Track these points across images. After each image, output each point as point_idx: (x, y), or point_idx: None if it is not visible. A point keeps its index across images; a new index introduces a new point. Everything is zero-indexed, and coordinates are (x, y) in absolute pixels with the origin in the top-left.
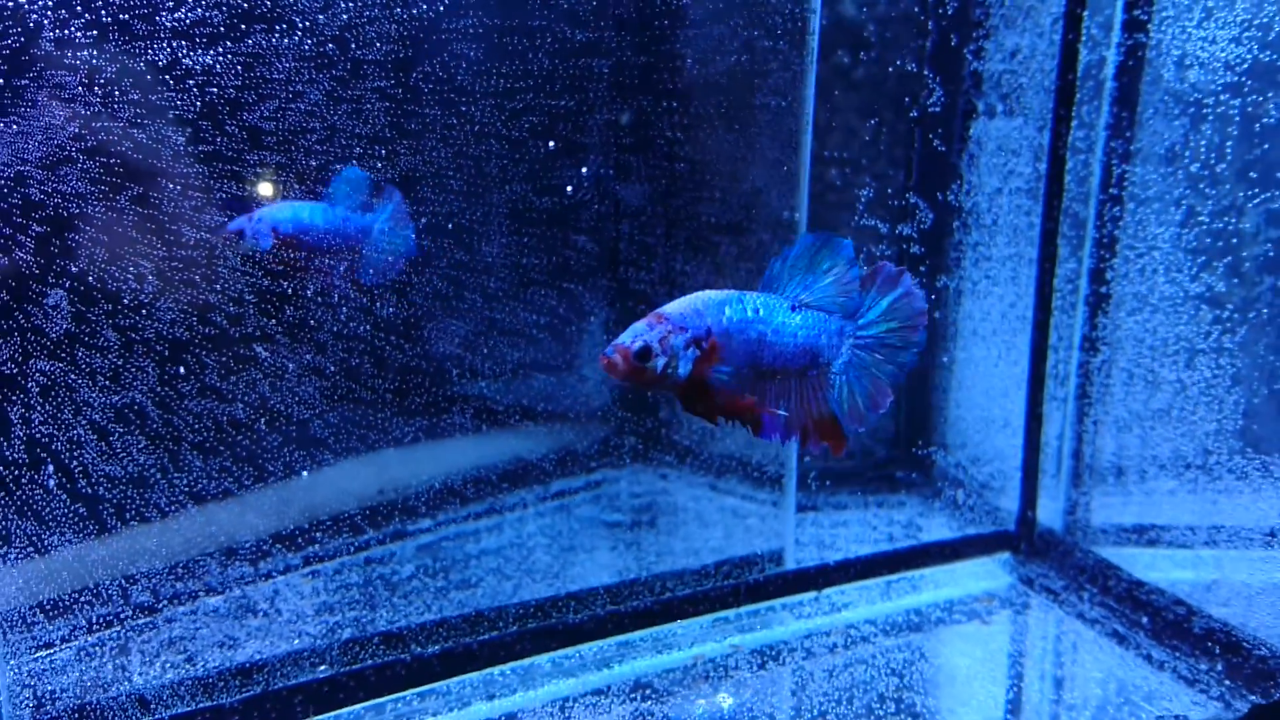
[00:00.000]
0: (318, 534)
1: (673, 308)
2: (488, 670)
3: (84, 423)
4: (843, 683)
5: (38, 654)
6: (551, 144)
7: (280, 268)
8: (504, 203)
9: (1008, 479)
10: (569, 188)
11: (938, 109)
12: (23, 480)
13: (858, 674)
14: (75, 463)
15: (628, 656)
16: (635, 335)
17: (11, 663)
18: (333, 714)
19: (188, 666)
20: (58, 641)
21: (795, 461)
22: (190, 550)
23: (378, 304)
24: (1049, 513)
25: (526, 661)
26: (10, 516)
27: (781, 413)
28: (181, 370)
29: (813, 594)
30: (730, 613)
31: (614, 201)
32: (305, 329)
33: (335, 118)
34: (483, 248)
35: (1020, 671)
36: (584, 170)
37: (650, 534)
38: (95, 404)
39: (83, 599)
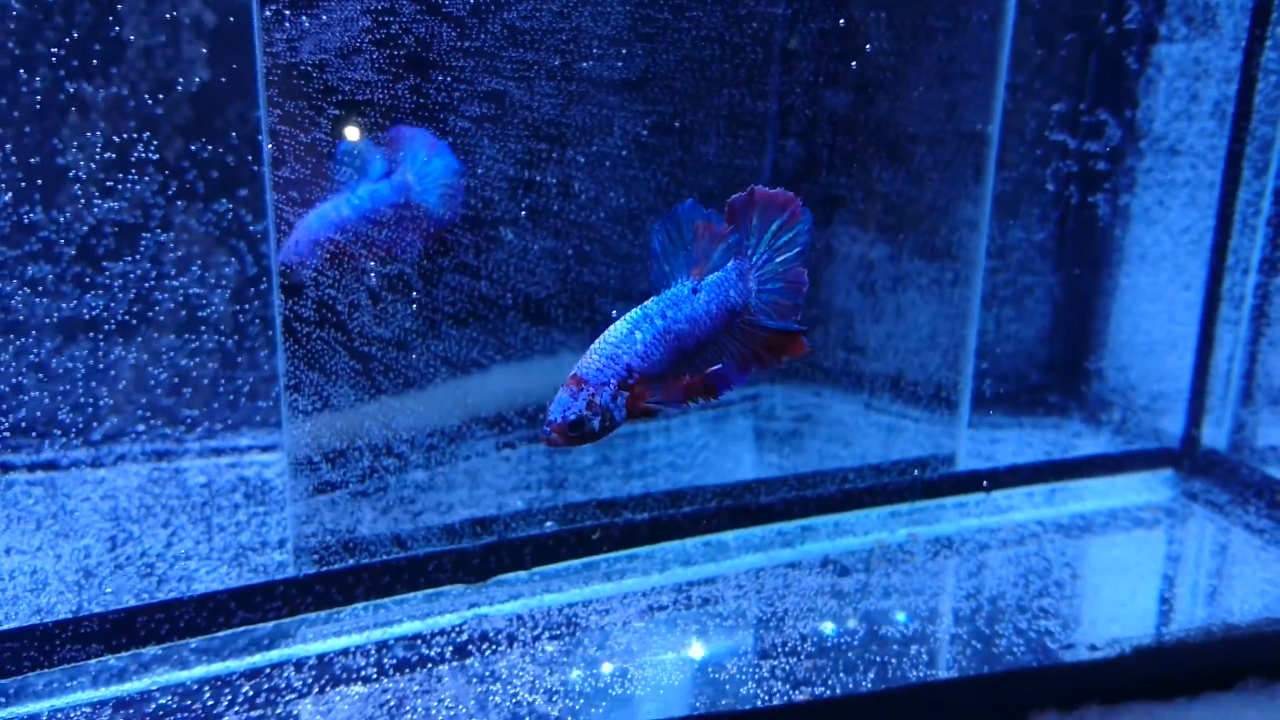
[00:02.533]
0: (507, 425)
1: (588, 365)
2: (685, 540)
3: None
4: (1018, 570)
5: (318, 495)
6: (767, 50)
7: (362, 258)
8: (722, 105)
9: (1171, 401)
10: (782, 92)
11: (1119, 30)
12: (314, 336)
13: (1033, 563)
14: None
15: (810, 539)
16: (563, 409)
17: (299, 502)
18: (555, 565)
19: (436, 515)
20: (333, 485)
21: (971, 365)
22: (432, 419)
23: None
24: (1214, 433)
25: (718, 536)
26: (302, 369)
27: (718, 366)
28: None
29: (981, 495)
30: (904, 506)
31: (822, 108)
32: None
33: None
34: (700, 148)
35: (1190, 569)
36: (795, 76)
37: (813, 440)
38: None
39: (351, 450)
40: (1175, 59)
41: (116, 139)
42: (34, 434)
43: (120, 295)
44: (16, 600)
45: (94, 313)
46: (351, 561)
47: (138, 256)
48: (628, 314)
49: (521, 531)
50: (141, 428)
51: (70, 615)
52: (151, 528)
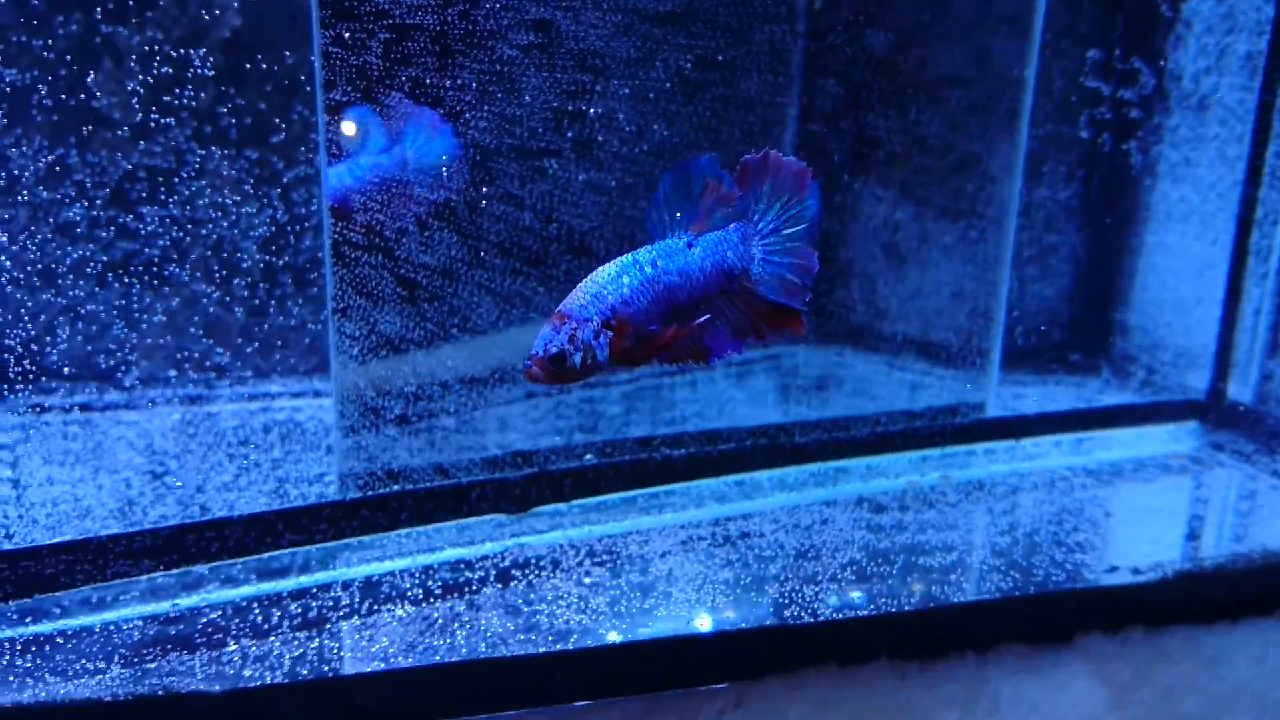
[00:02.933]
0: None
1: (573, 301)
2: (720, 479)
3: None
4: (1051, 509)
5: (363, 423)
6: None
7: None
8: (763, 42)
9: (1196, 356)
10: (822, 31)
11: None
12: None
13: (1065, 504)
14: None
15: (843, 480)
16: (545, 342)
17: (345, 429)
18: (594, 499)
19: (477, 449)
20: (378, 415)
21: (1003, 312)
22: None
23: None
24: (1239, 387)
25: (751, 476)
26: (350, 295)
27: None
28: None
29: (1010, 442)
30: (935, 452)
31: (862, 47)
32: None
33: None
34: (742, 84)
35: (1221, 509)
36: (836, 15)
37: (838, 394)
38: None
39: (394, 382)
40: (1204, 13)
41: (143, 84)
42: (121, 375)
43: (164, 240)
44: (61, 525)
45: (130, 256)
46: (395, 488)
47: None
48: (619, 258)
49: (561, 464)
50: (174, 372)
51: (122, 530)
52: (194, 463)
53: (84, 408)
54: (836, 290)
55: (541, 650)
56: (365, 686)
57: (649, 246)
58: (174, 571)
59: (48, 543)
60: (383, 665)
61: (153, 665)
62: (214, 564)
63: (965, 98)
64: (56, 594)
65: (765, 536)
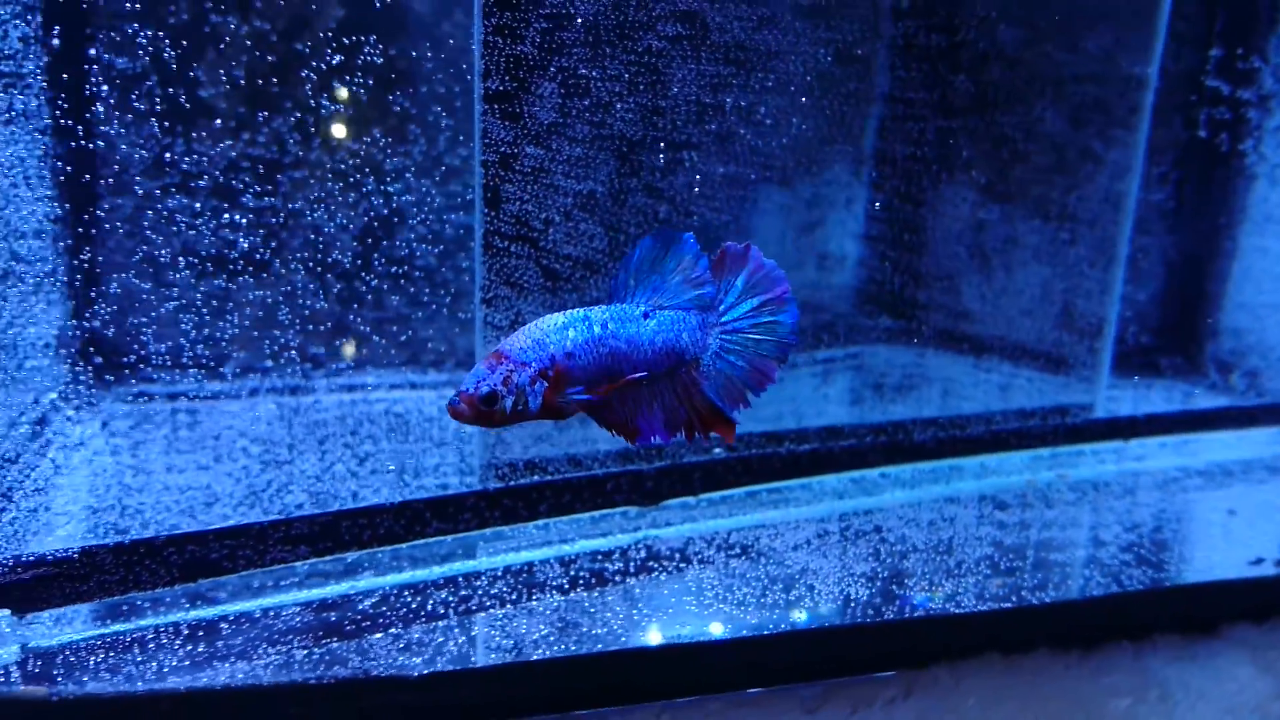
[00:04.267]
0: None
1: (513, 343)
2: (839, 475)
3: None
4: (1171, 507)
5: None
6: None
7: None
8: (894, 38)
9: None
10: (956, 25)
11: None
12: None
13: (1183, 502)
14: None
15: (958, 478)
16: (478, 379)
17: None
18: (720, 492)
19: (608, 441)
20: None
21: (1116, 314)
22: None
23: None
24: None
25: (866, 473)
26: (496, 281)
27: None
28: None
29: (1118, 443)
30: (1045, 452)
31: (991, 43)
32: None
33: None
34: (876, 79)
35: None
36: (969, 9)
37: (929, 392)
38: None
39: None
40: None
41: (243, 75)
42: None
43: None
44: (195, 512)
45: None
46: (536, 478)
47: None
48: (570, 310)
49: (691, 458)
50: (271, 364)
51: (281, 517)
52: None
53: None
54: (921, 290)
55: (712, 638)
56: (536, 672)
57: (603, 307)
58: (328, 558)
59: (212, 528)
60: (546, 653)
61: (315, 650)
62: (367, 550)
63: (1086, 95)
64: (219, 579)
65: (893, 531)
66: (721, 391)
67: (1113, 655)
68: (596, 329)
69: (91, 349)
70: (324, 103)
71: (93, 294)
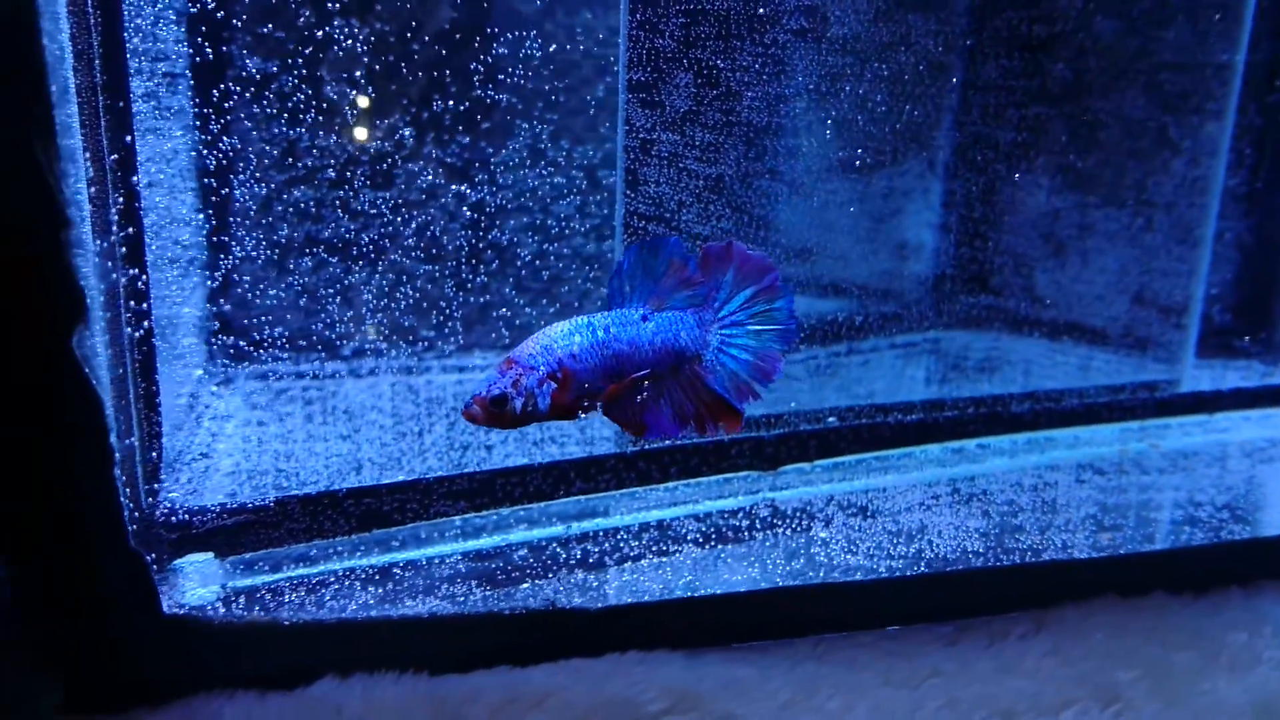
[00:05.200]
0: None
1: (522, 350)
2: (945, 444)
3: None
4: (1263, 473)
5: None
6: None
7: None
8: (1001, 29)
9: None
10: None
11: None
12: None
13: (1275, 468)
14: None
15: (1052, 448)
16: (489, 384)
17: None
18: (832, 459)
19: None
20: None
21: (1202, 293)
22: None
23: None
24: None
25: (963, 442)
26: None
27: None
28: None
29: (1202, 417)
30: (1134, 424)
31: (1073, 30)
32: None
33: None
34: (981, 69)
35: None
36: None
37: (1012, 372)
38: None
39: None
40: None
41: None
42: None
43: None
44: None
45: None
46: (668, 442)
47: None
48: (574, 318)
49: (807, 426)
50: (385, 346)
51: (445, 473)
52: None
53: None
54: (997, 276)
55: (857, 579)
56: (699, 608)
57: (604, 313)
58: (485, 513)
59: (385, 482)
60: (702, 591)
61: (477, 594)
62: (518, 507)
63: (1170, 83)
64: (390, 529)
65: (1000, 495)
66: (729, 385)
67: (1225, 597)
68: (599, 333)
69: (226, 330)
70: (477, 92)
71: (228, 278)
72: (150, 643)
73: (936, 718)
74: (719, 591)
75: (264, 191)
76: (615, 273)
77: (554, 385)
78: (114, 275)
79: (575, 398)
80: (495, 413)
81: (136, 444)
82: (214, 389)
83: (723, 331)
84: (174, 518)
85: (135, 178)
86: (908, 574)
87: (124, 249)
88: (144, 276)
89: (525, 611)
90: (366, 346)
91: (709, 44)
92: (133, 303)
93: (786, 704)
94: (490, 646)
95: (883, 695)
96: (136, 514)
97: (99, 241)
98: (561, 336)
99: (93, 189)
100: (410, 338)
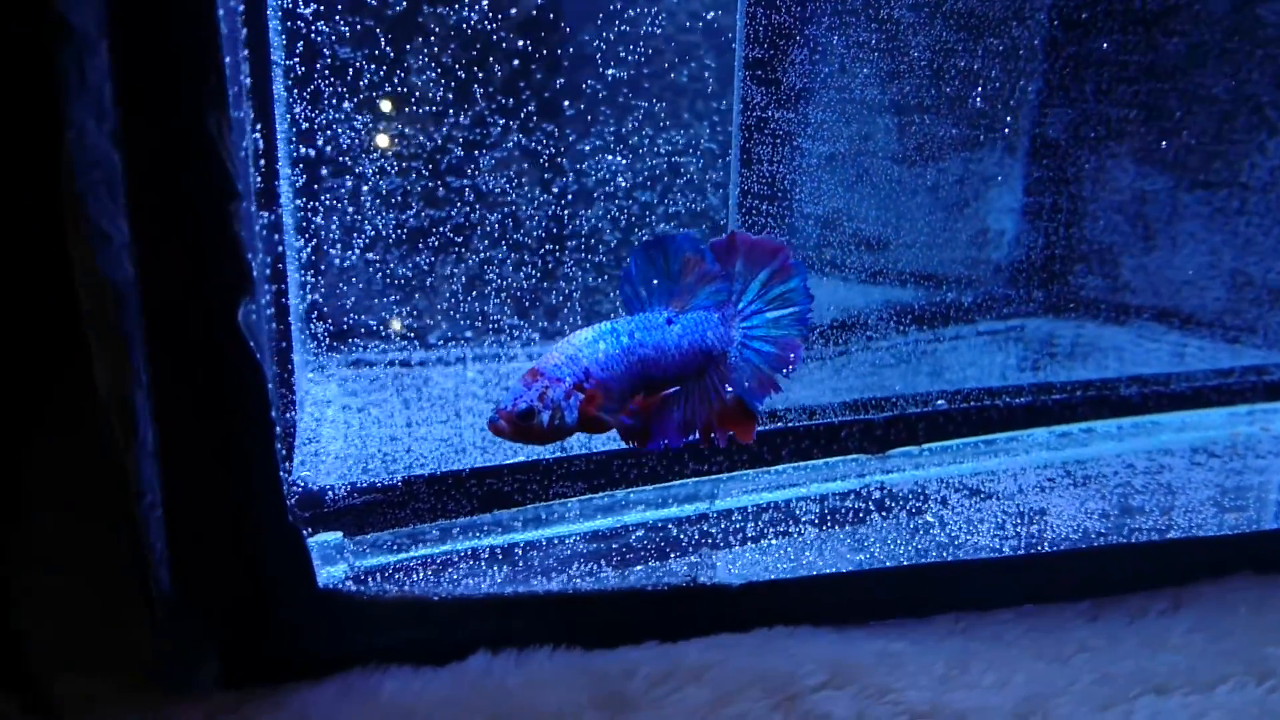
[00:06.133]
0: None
1: (547, 360)
2: (1051, 429)
3: None
4: None
5: None
6: None
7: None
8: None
9: None
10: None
11: None
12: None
13: None
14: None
15: (1159, 432)
16: (515, 397)
17: None
18: (940, 443)
19: (843, 392)
20: None
21: None
22: None
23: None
24: None
25: (1067, 427)
26: None
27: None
28: None
29: None
30: (1243, 407)
31: (1181, 9)
32: None
33: None
34: (1094, 42)
35: None
36: None
37: (1104, 359)
38: None
39: None
40: None
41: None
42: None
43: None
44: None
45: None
46: (779, 425)
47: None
48: (597, 324)
49: (915, 409)
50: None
51: (563, 454)
52: None
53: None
54: (1081, 263)
55: (994, 557)
56: (839, 584)
57: (627, 318)
58: (601, 495)
59: (506, 462)
60: (833, 568)
61: (608, 573)
62: (631, 489)
63: (1266, 61)
64: (510, 510)
65: (1110, 479)
66: (752, 380)
67: None
68: (624, 340)
69: (317, 318)
70: (607, 72)
71: (319, 267)
72: (306, 617)
73: (1093, 692)
74: (860, 568)
75: (357, 179)
76: (625, 278)
77: (581, 396)
78: (280, 249)
79: (602, 409)
80: (522, 426)
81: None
82: (310, 375)
83: (743, 325)
84: (306, 497)
85: (276, 158)
86: (1044, 551)
87: (270, 227)
88: (283, 254)
89: (668, 587)
90: (457, 335)
91: (823, 20)
92: (268, 283)
93: (942, 678)
94: (635, 622)
95: (1036, 669)
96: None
97: (264, 215)
98: (586, 345)
99: (262, 163)
100: (507, 324)
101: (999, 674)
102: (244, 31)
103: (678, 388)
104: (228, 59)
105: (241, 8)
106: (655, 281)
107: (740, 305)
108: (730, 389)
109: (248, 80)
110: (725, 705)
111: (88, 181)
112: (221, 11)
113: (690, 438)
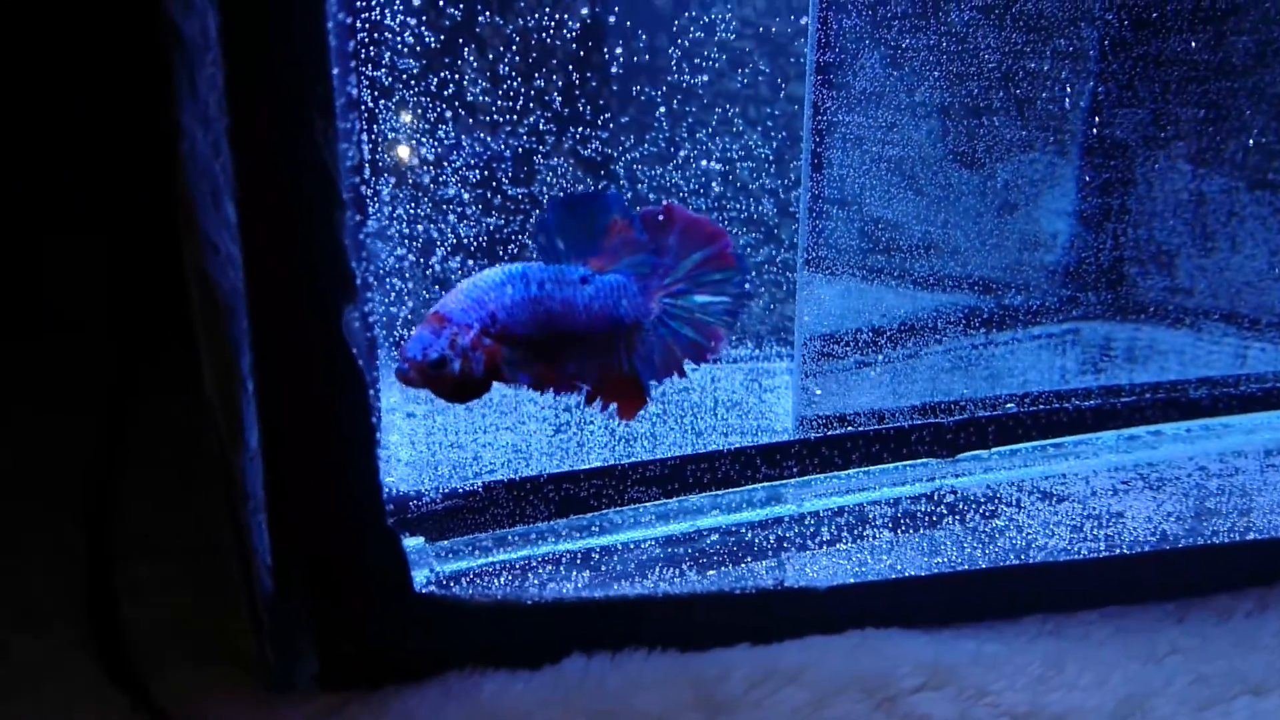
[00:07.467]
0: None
1: (451, 302)
2: (1121, 431)
3: None
4: None
5: (818, 373)
6: None
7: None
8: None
9: None
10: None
11: None
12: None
13: None
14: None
15: (1228, 434)
16: (423, 345)
17: (803, 378)
18: (1009, 447)
19: (912, 396)
20: (830, 365)
21: None
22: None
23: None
24: None
25: (1132, 430)
26: (821, 247)
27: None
28: None
29: None
30: None
31: (1214, 8)
32: None
33: None
34: (1166, 42)
35: None
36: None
37: (1161, 361)
38: None
39: (844, 336)
40: None
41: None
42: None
43: None
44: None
45: None
46: (849, 429)
47: None
48: (505, 265)
49: (984, 413)
50: None
51: (635, 459)
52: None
53: None
54: (1135, 266)
55: (1082, 558)
56: (925, 587)
57: (540, 265)
58: (674, 500)
59: (583, 468)
60: (918, 571)
61: (690, 576)
62: (707, 494)
63: None
64: (588, 515)
65: (1183, 481)
66: (660, 359)
67: None
68: (533, 288)
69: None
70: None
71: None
72: (403, 620)
73: (1191, 693)
74: (955, 570)
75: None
76: (540, 226)
77: (490, 343)
78: (384, 257)
79: (507, 361)
80: (432, 376)
81: None
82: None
83: (666, 300)
84: (391, 502)
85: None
86: (1130, 552)
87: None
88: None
89: (757, 590)
90: None
91: (895, 23)
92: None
93: (1039, 679)
94: (725, 624)
95: (1130, 670)
96: None
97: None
98: (493, 287)
99: (367, 172)
100: None
101: (1095, 674)
102: (350, 44)
103: (577, 366)
104: (335, 70)
105: (349, 20)
106: (576, 236)
107: (667, 280)
108: (635, 362)
109: (353, 91)
110: (825, 707)
111: (198, 190)
112: (330, 24)
113: (574, 395)
